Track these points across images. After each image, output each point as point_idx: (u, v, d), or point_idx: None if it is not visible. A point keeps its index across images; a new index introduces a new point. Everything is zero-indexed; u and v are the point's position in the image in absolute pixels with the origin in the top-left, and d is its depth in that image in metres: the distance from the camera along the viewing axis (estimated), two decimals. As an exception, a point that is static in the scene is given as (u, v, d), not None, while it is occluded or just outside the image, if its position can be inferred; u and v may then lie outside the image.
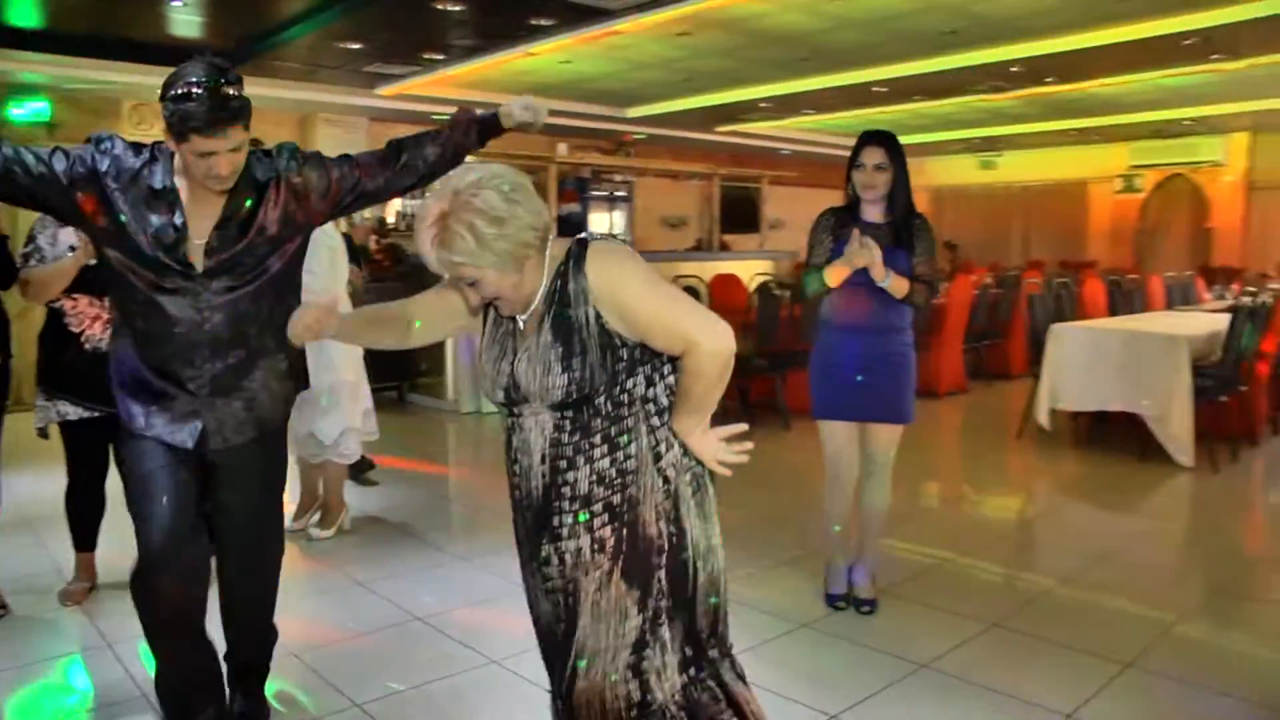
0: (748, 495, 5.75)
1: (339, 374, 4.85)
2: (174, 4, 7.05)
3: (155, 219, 2.46)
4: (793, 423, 7.74)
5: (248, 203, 2.54)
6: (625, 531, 1.99)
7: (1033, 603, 4.15)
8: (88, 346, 3.87)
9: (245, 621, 2.94)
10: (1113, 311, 8.99)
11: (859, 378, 3.84)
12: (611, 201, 14.12)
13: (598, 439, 1.98)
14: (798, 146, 14.86)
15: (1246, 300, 6.72)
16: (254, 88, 7.69)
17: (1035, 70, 9.01)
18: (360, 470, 5.86)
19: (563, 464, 1.98)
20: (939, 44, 8.19)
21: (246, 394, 2.65)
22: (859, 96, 10.56)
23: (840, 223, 3.92)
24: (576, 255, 1.96)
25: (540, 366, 1.95)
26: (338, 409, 4.88)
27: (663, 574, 2.00)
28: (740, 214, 14.07)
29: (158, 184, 2.46)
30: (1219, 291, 11.06)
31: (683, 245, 14.27)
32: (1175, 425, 6.51)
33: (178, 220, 2.46)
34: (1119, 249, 14.64)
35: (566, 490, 1.99)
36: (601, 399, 1.97)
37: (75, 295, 3.86)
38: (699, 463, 2.05)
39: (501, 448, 2.14)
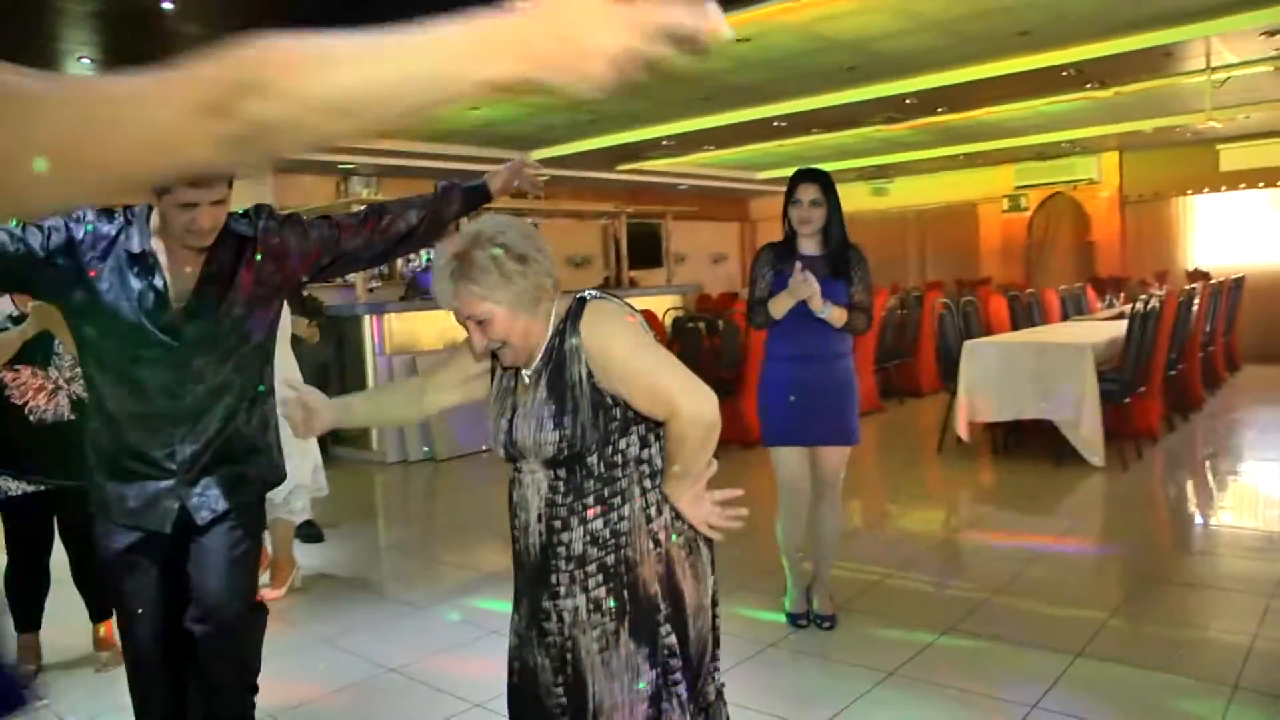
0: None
1: (286, 428, 4.81)
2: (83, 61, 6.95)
3: (136, 284, 2.39)
4: (717, 451, 7.89)
5: (226, 263, 2.48)
6: (626, 593, 1.99)
7: (980, 606, 4.35)
8: (32, 419, 3.79)
9: (226, 684, 2.75)
10: (1015, 325, 9.41)
11: (791, 398, 4.00)
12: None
13: (590, 499, 1.98)
14: (695, 181, 15.19)
15: (1140, 307, 7.15)
16: None
17: (928, 101, 9.45)
18: (311, 538, 5.81)
19: (557, 524, 1.99)
20: (838, 80, 8.55)
21: (226, 472, 2.58)
22: (759, 131, 10.89)
23: (779, 257, 4.08)
24: (575, 312, 1.99)
25: (534, 422, 1.97)
26: (287, 465, 4.83)
27: (665, 631, 2.01)
28: (644, 250, 14.30)
29: (135, 248, 2.39)
30: (1109, 300, 11.66)
31: (589, 283, 14.41)
32: (1086, 429, 6.88)
33: (158, 283, 2.40)
34: (1010, 265, 15.30)
35: (562, 550, 1.99)
36: (594, 459, 1.98)
37: (17, 367, 3.77)
38: (691, 525, 2.07)
39: (506, 501, 2.15)
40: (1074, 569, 4.94)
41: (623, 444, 2.00)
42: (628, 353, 1.96)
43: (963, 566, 5.26)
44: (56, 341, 3.80)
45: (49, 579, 4.03)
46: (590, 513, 1.98)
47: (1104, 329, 8.07)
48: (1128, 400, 7.17)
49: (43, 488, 3.82)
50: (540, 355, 2.01)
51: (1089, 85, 9.18)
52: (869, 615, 4.29)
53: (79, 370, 3.78)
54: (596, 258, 15.66)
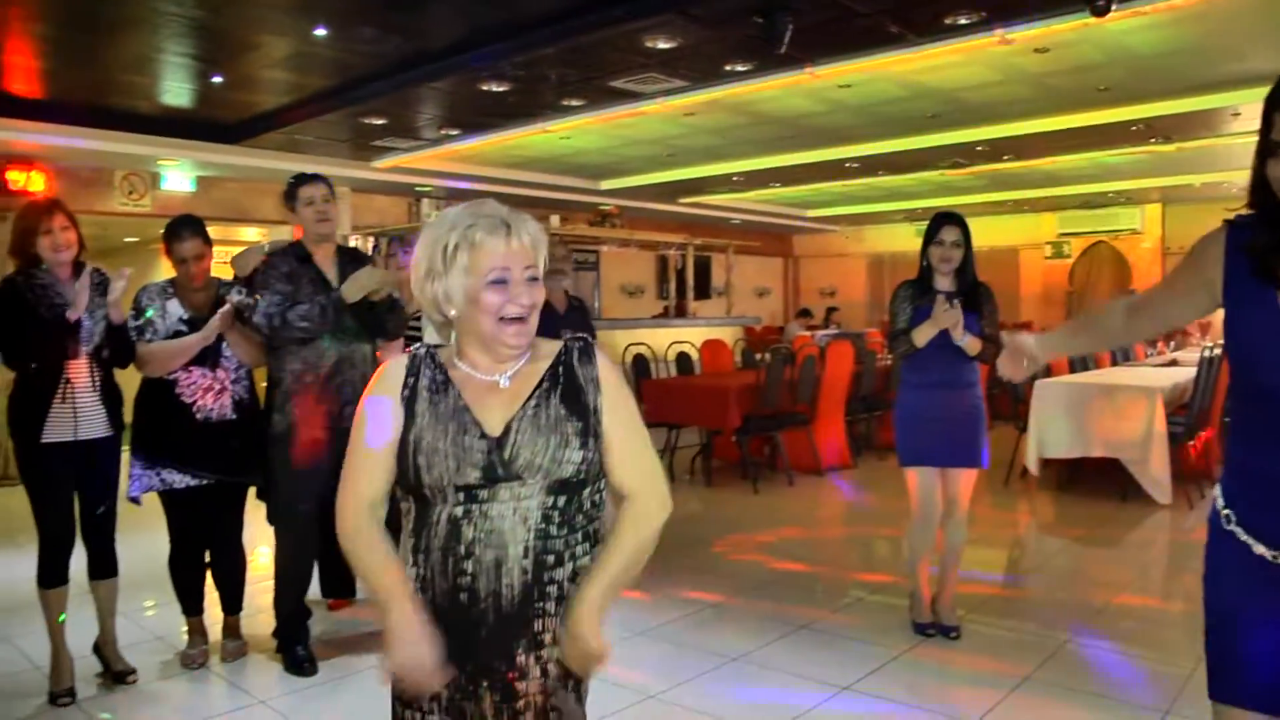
0: (791, 546, 6.25)
1: None
2: (214, 79, 7.34)
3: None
4: (795, 479, 8.24)
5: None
6: None
7: (1095, 617, 4.67)
8: (198, 416, 4.04)
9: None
10: (1072, 368, 9.72)
11: (937, 425, 4.34)
12: (577, 271, 14.61)
13: (580, 535, 1.81)
14: (746, 216, 15.58)
15: (1205, 354, 7.47)
16: (232, 157, 8.06)
17: (997, 149, 9.84)
18: None
19: (550, 559, 1.76)
20: (918, 126, 8.93)
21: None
22: (830, 171, 11.27)
23: (918, 292, 4.44)
24: (582, 348, 1.88)
25: (556, 438, 1.76)
26: None
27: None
28: (697, 282, 14.74)
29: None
30: (1156, 348, 11.97)
31: (642, 312, 14.81)
32: (1154, 468, 7.18)
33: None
34: (1050, 310, 15.65)
35: (553, 590, 1.76)
36: (588, 491, 1.83)
37: (189, 367, 4.03)
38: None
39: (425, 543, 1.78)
40: (1174, 590, 5.23)
41: (601, 487, 1.88)
42: (635, 412, 1.89)
43: (1066, 585, 5.45)
44: (224, 344, 4.10)
45: (205, 567, 4.31)
46: (580, 549, 1.81)
47: (1162, 374, 8.41)
48: (1192, 442, 7.48)
49: (203, 481, 4.08)
50: (544, 373, 1.84)
51: (1154, 140, 9.58)
52: (989, 627, 4.59)
53: (243, 372, 4.19)
54: (650, 287, 16.04)
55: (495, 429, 1.76)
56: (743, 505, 7.55)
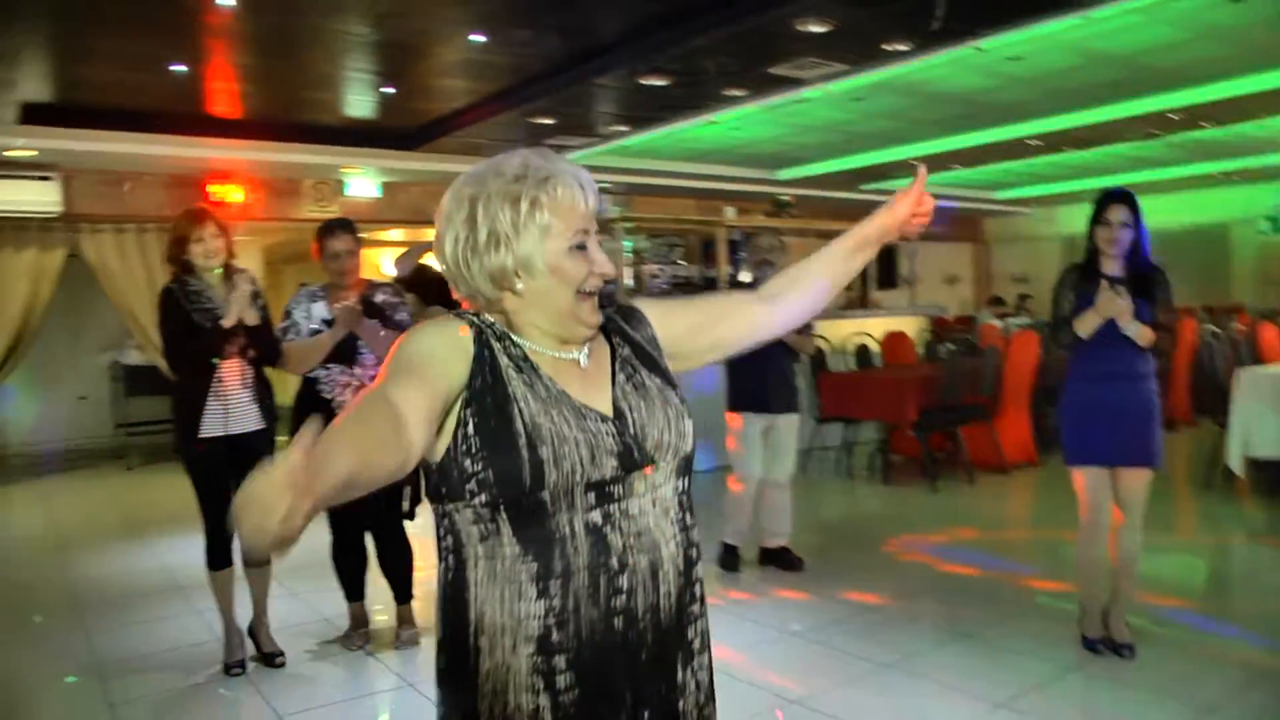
0: (964, 548, 5.99)
1: None
2: (390, 90, 7.64)
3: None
4: (976, 476, 7.87)
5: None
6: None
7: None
8: (338, 413, 4.20)
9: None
10: (1288, 355, 8.88)
11: (1106, 421, 4.01)
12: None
13: (696, 516, 1.54)
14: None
15: None
16: (413, 163, 8.34)
17: (1193, 116, 9.07)
18: None
19: (694, 552, 1.51)
20: (1100, 96, 8.33)
21: None
22: (1011, 150, 10.73)
23: (1083, 277, 4.11)
24: (621, 310, 1.62)
25: (672, 411, 1.49)
26: None
27: None
28: (881, 271, 14.31)
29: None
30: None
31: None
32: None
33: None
34: (1269, 291, 14.32)
35: (698, 589, 1.52)
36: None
37: (328, 365, 4.24)
38: None
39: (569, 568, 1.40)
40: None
41: None
42: (675, 302, 1.69)
43: (1277, 602, 4.90)
44: (360, 342, 4.25)
45: (366, 554, 4.48)
46: (695, 532, 1.53)
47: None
48: None
49: None
50: (608, 346, 1.55)
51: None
52: (1170, 646, 4.18)
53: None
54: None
55: (607, 410, 1.44)
56: (920, 504, 7.29)
